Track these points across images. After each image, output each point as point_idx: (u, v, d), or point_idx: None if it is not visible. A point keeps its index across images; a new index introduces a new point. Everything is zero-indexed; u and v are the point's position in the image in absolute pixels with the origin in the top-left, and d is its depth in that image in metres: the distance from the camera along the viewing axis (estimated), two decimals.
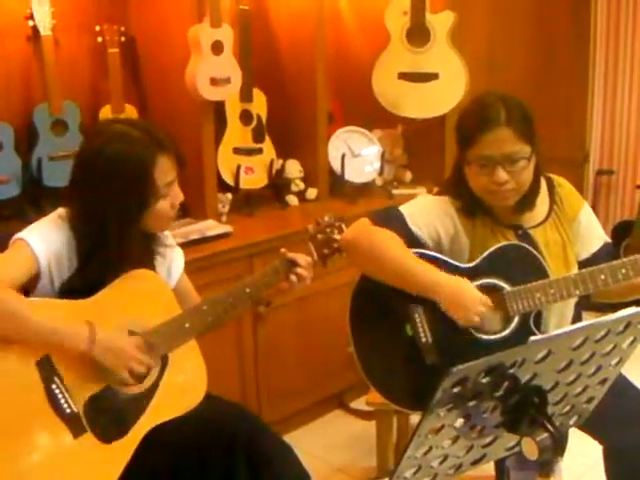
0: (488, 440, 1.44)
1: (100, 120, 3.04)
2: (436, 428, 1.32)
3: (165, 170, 1.91)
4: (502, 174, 2.02)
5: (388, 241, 2.09)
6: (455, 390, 1.26)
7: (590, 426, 1.71)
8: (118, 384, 1.89)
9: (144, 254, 2.02)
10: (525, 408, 1.35)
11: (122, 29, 3.09)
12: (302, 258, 2.06)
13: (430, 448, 1.35)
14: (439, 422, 1.31)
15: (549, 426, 1.34)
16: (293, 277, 2.02)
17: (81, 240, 1.92)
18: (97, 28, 3.05)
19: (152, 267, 2.05)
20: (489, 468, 2.08)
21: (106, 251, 1.90)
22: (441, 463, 1.41)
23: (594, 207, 2.28)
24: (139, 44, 3.22)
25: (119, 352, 1.85)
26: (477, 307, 2.01)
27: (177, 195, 1.97)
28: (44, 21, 2.86)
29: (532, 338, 1.31)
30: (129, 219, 1.91)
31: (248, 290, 2.02)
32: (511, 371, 1.31)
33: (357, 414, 3.43)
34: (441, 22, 3.51)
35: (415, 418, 2.79)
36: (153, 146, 1.89)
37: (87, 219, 1.91)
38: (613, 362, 1.50)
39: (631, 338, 1.47)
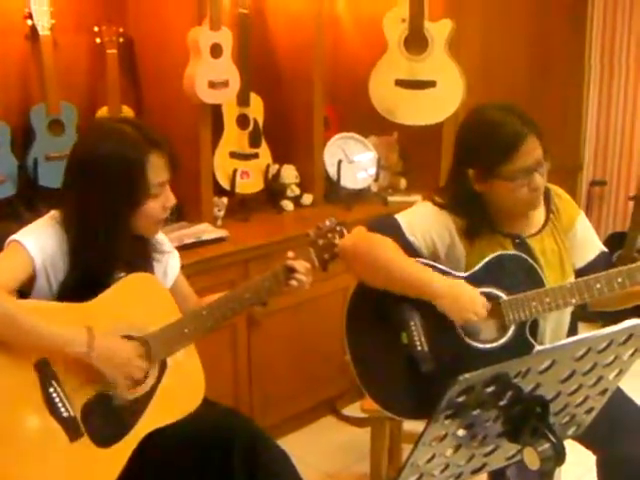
0: (489, 449, 1.45)
1: (94, 119, 3.02)
2: (440, 436, 1.32)
3: (158, 168, 1.90)
4: (540, 179, 2.06)
5: (386, 245, 2.10)
6: (460, 399, 1.26)
7: (584, 436, 1.71)
8: (115, 388, 1.87)
9: (139, 258, 2.01)
10: (527, 418, 1.35)
11: (121, 30, 3.07)
12: (301, 265, 2.06)
13: (433, 456, 1.35)
14: (443, 430, 1.31)
15: (551, 436, 1.35)
16: (293, 282, 2.01)
17: (71, 241, 1.90)
18: (96, 29, 3.03)
19: (150, 271, 2.03)
20: (481, 477, 2.08)
21: (94, 250, 1.89)
22: (442, 471, 1.41)
23: (587, 218, 2.30)
24: (137, 46, 3.21)
25: (117, 358, 1.84)
26: (476, 306, 2.02)
27: (169, 197, 1.96)
28: (42, 21, 2.84)
29: (538, 347, 1.32)
30: (118, 216, 1.89)
31: (248, 295, 2.01)
32: (515, 380, 1.31)
33: (349, 421, 3.42)
34: (439, 30, 3.52)
35: (408, 426, 2.80)
36: (146, 144, 1.88)
37: (78, 219, 1.90)
38: (613, 373, 1.51)
39: (632, 349, 1.48)
